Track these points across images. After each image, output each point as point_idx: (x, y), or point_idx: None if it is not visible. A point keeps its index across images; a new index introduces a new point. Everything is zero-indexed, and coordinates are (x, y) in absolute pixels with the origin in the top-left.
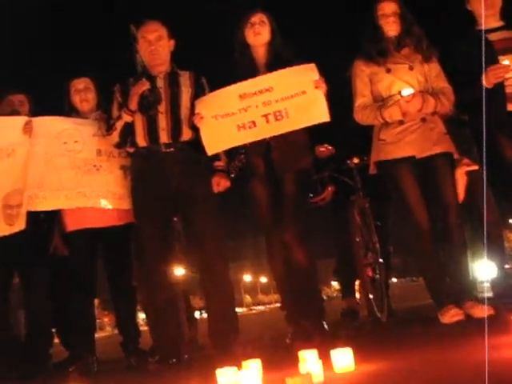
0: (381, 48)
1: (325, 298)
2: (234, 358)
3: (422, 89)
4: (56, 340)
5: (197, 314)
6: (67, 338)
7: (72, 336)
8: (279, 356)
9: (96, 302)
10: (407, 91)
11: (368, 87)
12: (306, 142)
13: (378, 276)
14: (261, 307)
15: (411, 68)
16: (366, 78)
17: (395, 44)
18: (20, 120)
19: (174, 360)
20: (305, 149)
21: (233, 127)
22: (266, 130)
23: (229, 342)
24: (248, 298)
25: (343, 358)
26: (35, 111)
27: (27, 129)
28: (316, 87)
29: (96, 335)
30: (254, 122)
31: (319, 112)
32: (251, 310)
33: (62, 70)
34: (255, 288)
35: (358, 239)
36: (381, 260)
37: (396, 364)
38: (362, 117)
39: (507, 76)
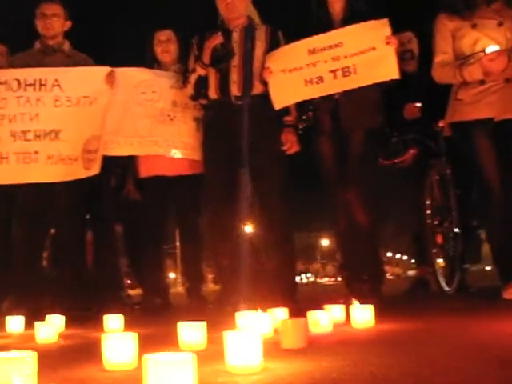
0: (468, 0)
1: None
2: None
3: (510, 47)
4: None
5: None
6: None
7: (143, 278)
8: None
9: None
10: (492, 48)
11: (450, 43)
12: (378, 99)
13: (449, 246)
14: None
15: (500, 24)
16: (448, 34)
17: None
18: (103, 70)
19: (229, 308)
20: (375, 107)
21: (300, 82)
22: (333, 85)
23: (280, 295)
24: None
25: (361, 314)
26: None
27: (109, 79)
28: (387, 43)
29: None
30: (321, 78)
31: (388, 69)
32: None
33: (147, 21)
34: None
35: (427, 203)
36: (457, 230)
37: (415, 326)
38: (440, 75)
39: None
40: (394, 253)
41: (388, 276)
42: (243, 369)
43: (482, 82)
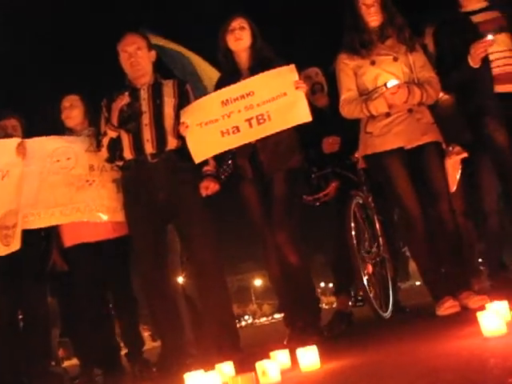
0: (364, 40)
1: None
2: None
3: (407, 80)
4: None
5: None
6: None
7: (79, 349)
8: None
9: None
10: (392, 83)
11: (353, 81)
12: (294, 140)
13: (380, 271)
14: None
15: (396, 59)
16: (350, 72)
17: (379, 35)
18: (13, 142)
19: (175, 369)
20: (293, 148)
21: (217, 133)
22: (249, 134)
23: (223, 346)
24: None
25: (307, 357)
26: (29, 133)
27: (20, 150)
28: (296, 88)
29: None
30: (237, 127)
31: (301, 112)
32: None
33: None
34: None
35: (352, 234)
36: (385, 255)
37: (363, 360)
38: (348, 111)
39: (492, 58)
40: (327, 283)
41: (324, 306)
42: None
43: (387, 115)
